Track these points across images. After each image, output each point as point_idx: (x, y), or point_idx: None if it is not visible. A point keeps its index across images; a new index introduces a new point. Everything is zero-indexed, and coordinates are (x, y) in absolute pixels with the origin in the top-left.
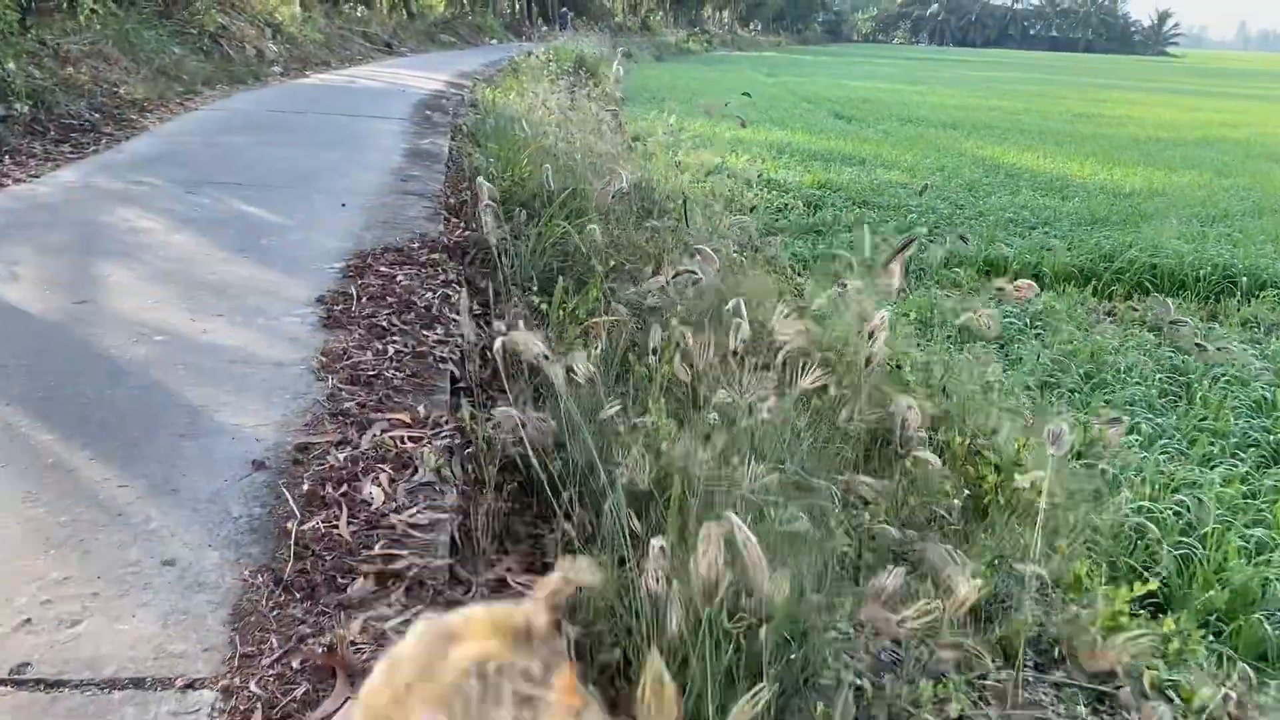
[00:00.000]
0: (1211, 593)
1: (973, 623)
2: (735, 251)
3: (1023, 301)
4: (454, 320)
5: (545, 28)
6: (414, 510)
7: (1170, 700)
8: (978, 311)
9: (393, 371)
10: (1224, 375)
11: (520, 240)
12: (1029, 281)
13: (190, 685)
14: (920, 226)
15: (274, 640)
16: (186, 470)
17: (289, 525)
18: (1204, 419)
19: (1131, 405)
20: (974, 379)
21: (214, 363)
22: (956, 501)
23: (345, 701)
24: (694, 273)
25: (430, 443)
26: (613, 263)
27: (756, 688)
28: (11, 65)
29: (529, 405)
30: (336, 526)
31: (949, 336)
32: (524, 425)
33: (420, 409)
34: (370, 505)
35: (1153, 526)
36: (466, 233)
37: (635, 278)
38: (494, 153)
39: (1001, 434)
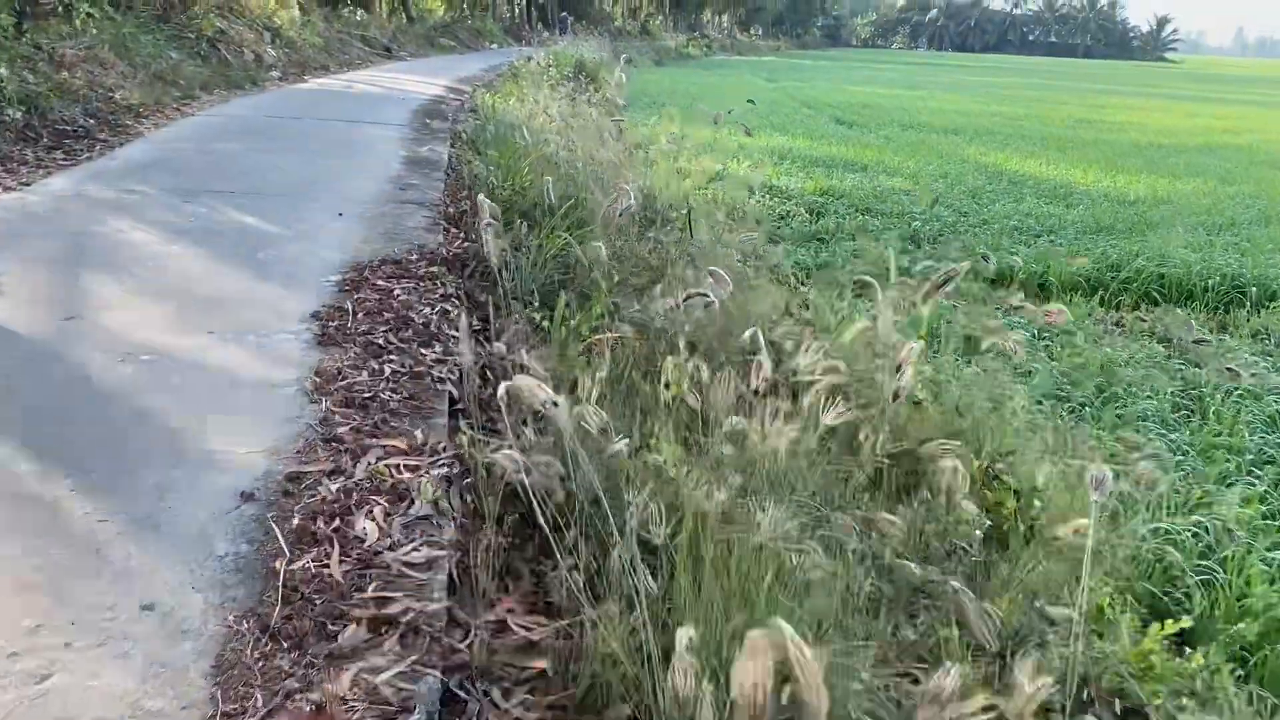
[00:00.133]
0: (1241, 625)
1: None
2: (739, 261)
3: (1051, 325)
4: (453, 337)
5: (545, 32)
6: (409, 547)
7: None
8: (1004, 336)
9: (389, 393)
10: (1237, 389)
11: (521, 252)
12: (1060, 308)
13: None
14: (924, 234)
15: (259, 697)
16: (171, 502)
17: (277, 565)
18: (1218, 434)
19: (1144, 420)
20: (986, 394)
21: (203, 384)
22: (978, 532)
23: None
24: (706, 295)
25: (427, 471)
26: (616, 277)
27: None
28: (4, 70)
29: (530, 426)
30: (327, 566)
31: (956, 349)
32: (528, 471)
33: (417, 434)
34: (363, 542)
35: (1176, 554)
36: (466, 244)
37: (639, 291)
38: (494, 160)
39: (1019, 455)
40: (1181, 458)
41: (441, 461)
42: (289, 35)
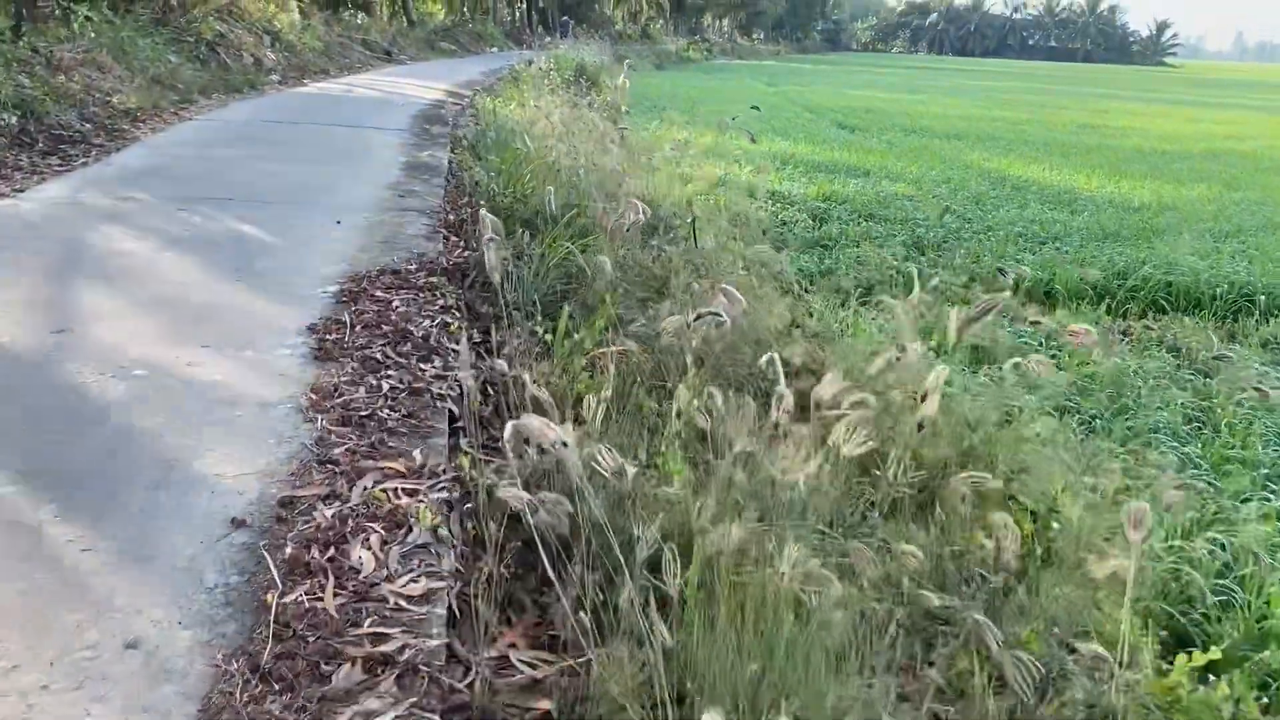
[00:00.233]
0: (1266, 653)
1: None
2: (744, 270)
3: (1079, 347)
4: (453, 351)
5: (546, 36)
6: (407, 578)
7: None
8: (1029, 358)
9: (387, 411)
10: (1249, 400)
11: (523, 261)
12: (1086, 327)
13: None
14: (928, 240)
15: None
16: (159, 530)
17: (269, 598)
18: (1231, 448)
19: (1155, 432)
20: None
21: (196, 402)
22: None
23: None
24: (718, 314)
25: (426, 496)
26: (620, 289)
27: None
28: None
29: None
30: (321, 599)
31: (962, 361)
32: (534, 509)
33: (416, 455)
34: (359, 573)
35: (1198, 576)
36: (466, 252)
37: (643, 302)
38: (495, 166)
39: (1033, 473)
40: (1195, 471)
41: (441, 485)
42: (289, 39)
